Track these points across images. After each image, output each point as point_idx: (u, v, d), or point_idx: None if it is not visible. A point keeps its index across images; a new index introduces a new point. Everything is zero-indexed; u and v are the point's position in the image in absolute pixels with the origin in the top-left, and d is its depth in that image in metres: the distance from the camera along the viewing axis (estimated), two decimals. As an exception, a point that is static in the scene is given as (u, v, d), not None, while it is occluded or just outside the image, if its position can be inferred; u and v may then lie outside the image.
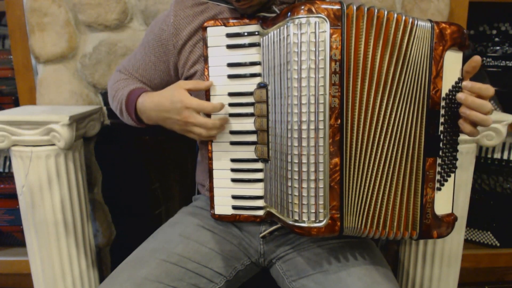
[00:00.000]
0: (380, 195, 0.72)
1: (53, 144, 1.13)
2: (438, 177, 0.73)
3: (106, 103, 1.36)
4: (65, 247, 1.19)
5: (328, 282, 0.76)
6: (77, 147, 1.22)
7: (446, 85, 0.71)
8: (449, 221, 0.75)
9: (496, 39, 1.60)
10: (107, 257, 1.50)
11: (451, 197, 0.75)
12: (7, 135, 1.11)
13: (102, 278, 1.41)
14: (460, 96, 0.69)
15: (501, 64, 1.60)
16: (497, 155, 1.63)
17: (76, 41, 1.31)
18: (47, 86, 1.34)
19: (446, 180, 0.74)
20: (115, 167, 1.45)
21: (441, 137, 0.72)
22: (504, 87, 1.61)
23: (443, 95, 0.71)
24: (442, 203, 0.74)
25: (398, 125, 0.71)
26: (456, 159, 0.74)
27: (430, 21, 0.70)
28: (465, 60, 0.72)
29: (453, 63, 0.71)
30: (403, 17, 0.68)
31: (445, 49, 0.69)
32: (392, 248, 1.46)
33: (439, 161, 0.73)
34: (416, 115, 0.71)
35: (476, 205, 1.58)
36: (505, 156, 1.61)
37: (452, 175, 0.75)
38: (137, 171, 1.50)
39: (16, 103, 1.57)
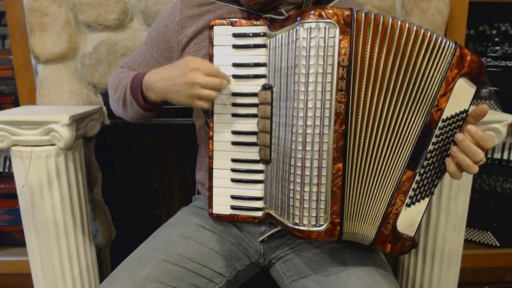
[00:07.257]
0: (370, 200, 0.72)
1: (53, 144, 1.13)
2: (411, 193, 0.72)
3: (106, 103, 1.36)
4: (65, 247, 1.19)
5: (329, 282, 0.76)
6: (77, 147, 1.22)
7: (450, 110, 0.69)
8: (407, 242, 0.73)
9: (496, 39, 1.60)
10: (107, 257, 1.50)
11: (418, 222, 0.73)
12: (7, 135, 1.11)
13: (102, 278, 1.41)
14: (458, 136, 0.67)
15: (501, 64, 1.60)
16: (497, 155, 1.63)
17: (76, 41, 1.31)
18: (47, 86, 1.34)
19: (419, 201, 0.72)
20: (115, 167, 1.45)
21: (428, 156, 0.71)
22: (504, 87, 1.61)
23: (444, 117, 0.69)
24: (407, 222, 0.73)
25: (398, 133, 0.70)
26: (435, 185, 0.72)
27: (455, 43, 0.68)
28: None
29: (463, 93, 0.69)
30: (414, 27, 0.67)
31: (460, 73, 0.68)
32: (392, 248, 1.46)
33: (417, 178, 0.71)
34: (414, 127, 0.70)
35: (476, 205, 1.58)
36: (505, 156, 1.61)
37: (427, 199, 0.72)
38: (137, 171, 1.50)
39: (16, 103, 1.56)
